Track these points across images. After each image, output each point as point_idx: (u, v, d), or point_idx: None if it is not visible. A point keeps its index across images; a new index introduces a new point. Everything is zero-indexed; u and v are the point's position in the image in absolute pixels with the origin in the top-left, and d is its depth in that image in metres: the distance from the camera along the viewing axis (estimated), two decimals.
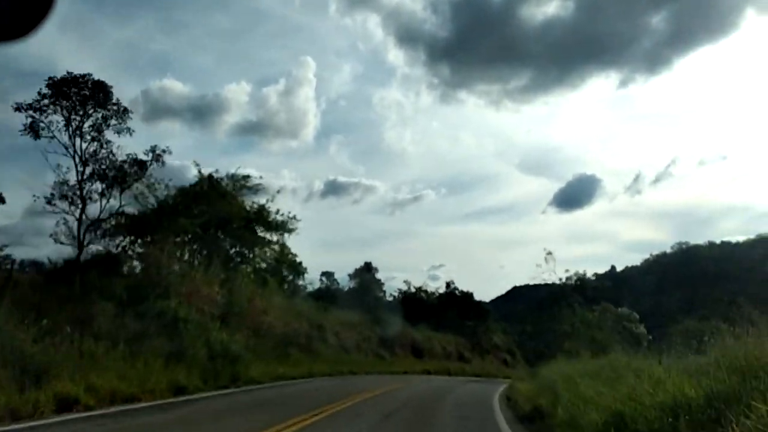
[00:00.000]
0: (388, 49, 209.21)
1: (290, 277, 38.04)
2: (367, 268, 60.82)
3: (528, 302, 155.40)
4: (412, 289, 64.69)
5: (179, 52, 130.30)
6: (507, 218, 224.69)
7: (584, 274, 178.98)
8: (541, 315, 60.29)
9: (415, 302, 63.02)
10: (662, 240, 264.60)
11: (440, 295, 64.08)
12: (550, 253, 27.90)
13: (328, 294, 49.48)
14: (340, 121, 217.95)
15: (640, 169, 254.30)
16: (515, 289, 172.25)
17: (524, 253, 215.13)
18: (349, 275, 60.24)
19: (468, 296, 64.09)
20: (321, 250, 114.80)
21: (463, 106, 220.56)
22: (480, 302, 66.46)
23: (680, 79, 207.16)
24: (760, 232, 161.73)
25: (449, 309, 63.05)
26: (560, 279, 59.26)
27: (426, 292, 65.16)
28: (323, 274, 59.46)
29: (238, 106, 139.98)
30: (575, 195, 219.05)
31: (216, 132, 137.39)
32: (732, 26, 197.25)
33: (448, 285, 64.28)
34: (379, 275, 62.99)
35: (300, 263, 35.93)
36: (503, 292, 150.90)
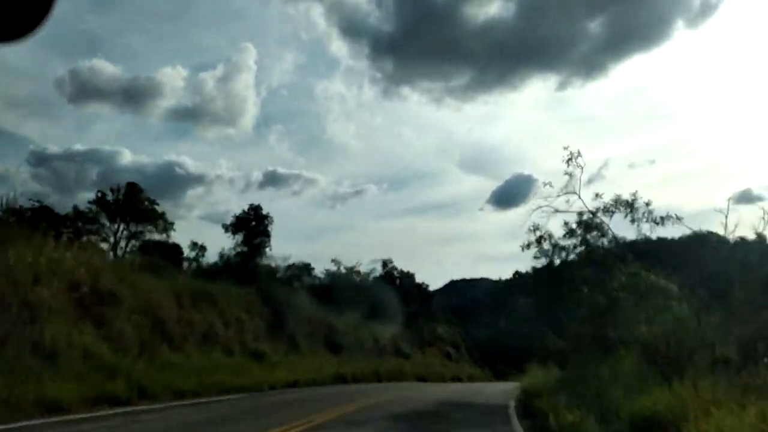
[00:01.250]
0: (331, 41, 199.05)
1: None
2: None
3: (466, 297, 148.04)
4: (342, 270, 51.27)
5: (110, 31, 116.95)
6: (447, 214, 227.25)
7: (526, 272, 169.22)
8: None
9: (344, 285, 49.89)
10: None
11: (376, 277, 51.18)
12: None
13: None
14: (281, 111, 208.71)
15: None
16: (452, 283, 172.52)
17: (463, 248, 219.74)
18: None
19: (408, 277, 51.60)
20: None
21: (405, 102, 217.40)
22: (422, 285, 54.09)
23: (615, 85, 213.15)
24: (696, 230, 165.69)
25: (386, 293, 50.41)
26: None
27: (359, 272, 51.89)
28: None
29: (173, 91, 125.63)
30: (512, 194, 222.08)
31: (149, 117, 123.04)
32: (665, 37, 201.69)
33: (385, 264, 51.56)
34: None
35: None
36: (441, 285, 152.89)
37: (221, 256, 25.89)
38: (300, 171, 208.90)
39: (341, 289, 49.33)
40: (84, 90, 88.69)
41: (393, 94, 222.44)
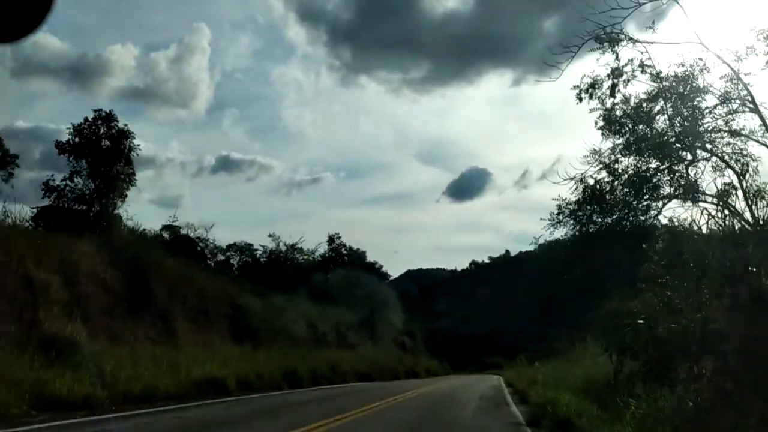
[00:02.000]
0: (288, 25, 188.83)
1: None
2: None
3: (422, 287, 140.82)
4: (282, 247, 42.12)
5: (57, 4, 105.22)
6: (403, 205, 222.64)
7: (481, 262, 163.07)
8: None
9: (280, 263, 41.11)
10: (543, 232, 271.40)
11: (322, 255, 42.43)
12: None
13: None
14: (236, 95, 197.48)
15: (528, 166, 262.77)
16: (408, 273, 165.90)
17: (419, 239, 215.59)
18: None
19: (358, 256, 43.14)
20: (214, 229, 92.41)
21: (363, 92, 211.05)
22: (375, 265, 45.62)
23: (568, 83, 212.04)
24: (653, 214, 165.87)
25: (331, 272, 41.87)
26: None
27: (301, 249, 42.77)
28: None
29: (123, 70, 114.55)
30: (467, 187, 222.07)
31: (97, 96, 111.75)
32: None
33: (331, 240, 42.73)
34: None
35: None
36: (397, 275, 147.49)
37: (48, 188, 16.34)
38: (255, 157, 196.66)
39: (276, 268, 40.48)
40: (28, 65, 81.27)
41: (351, 82, 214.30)
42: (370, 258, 45.06)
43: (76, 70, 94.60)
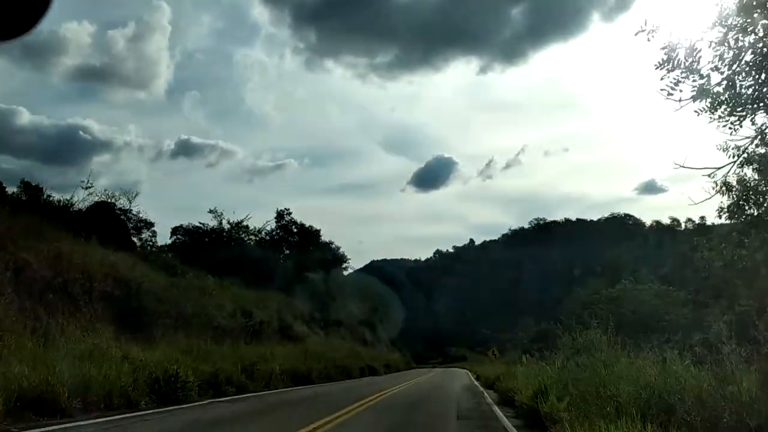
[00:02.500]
0: (252, 5, 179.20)
1: None
2: None
3: (386, 277, 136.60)
4: (225, 225, 36.05)
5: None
6: (368, 194, 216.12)
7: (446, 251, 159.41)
8: None
9: (225, 245, 35.23)
10: (506, 223, 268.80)
11: (269, 234, 36.57)
12: None
13: None
14: (197, 77, 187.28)
15: (492, 155, 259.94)
16: (373, 263, 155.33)
17: (383, 229, 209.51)
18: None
19: (311, 234, 37.58)
20: (172, 216, 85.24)
21: (329, 76, 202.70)
22: (331, 245, 40.14)
23: (533, 73, 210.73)
24: (613, 212, 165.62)
25: (282, 253, 36.23)
26: None
27: (247, 227, 36.80)
28: None
29: (79, 48, 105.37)
30: (433, 176, 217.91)
31: (51, 75, 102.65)
32: (581, 28, 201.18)
33: (280, 215, 36.87)
34: None
35: None
36: (361, 265, 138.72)
37: None
38: (216, 141, 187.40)
39: (218, 248, 34.61)
40: None
41: (316, 66, 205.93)
42: (325, 239, 39.60)
43: (27, 47, 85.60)
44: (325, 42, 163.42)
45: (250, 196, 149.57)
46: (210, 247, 34.70)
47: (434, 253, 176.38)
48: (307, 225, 36.42)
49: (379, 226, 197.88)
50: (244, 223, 36.42)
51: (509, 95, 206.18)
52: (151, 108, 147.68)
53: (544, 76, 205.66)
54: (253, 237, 35.62)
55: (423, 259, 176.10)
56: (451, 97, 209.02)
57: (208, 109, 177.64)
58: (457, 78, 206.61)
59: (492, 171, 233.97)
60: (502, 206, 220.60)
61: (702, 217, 76.91)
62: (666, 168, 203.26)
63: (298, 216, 37.72)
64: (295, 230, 36.49)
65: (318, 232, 36.98)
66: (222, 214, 34.80)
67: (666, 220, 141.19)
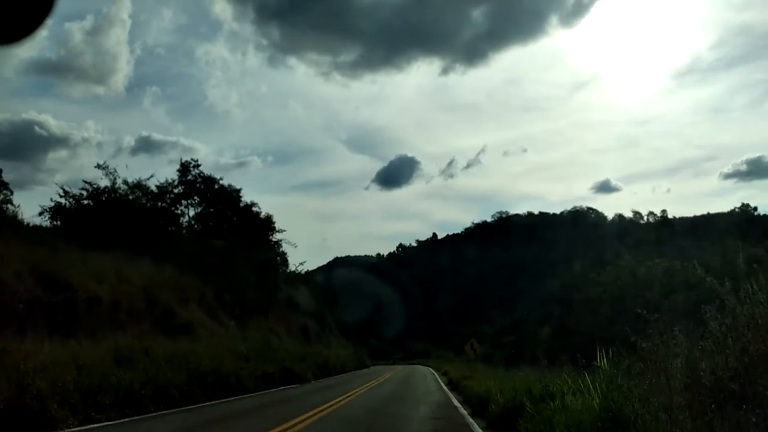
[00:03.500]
0: (214, 0, 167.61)
1: None
2: None
3: (349, 273, 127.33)
4: (121, 186, 26.07)
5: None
6: (332, 192, 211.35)
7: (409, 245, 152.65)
8: None
9: (118, 210, 25.56)
10: (469, 219, 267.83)
11: (165, 188, 26.89)
12: None
13: None
14: (158, 73, 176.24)
15: (454, 155, 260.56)
16: (336, 260, 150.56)
17: (348, 226, 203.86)
18: None
19: (227, 193, 28.21)
20: None
21: (292, 73, 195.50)
22: (252, 207, 30.48)
23: (493, 75, 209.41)
24: (576, 204, 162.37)
25: (184, 216, 26.90)
26: None
27: (147, 189, 26.89)
28: None
29: (34, 40, 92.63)
30: (396, 175, 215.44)
31: (3, 67, 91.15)
32: (540, 32, 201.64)
33: (184, 168, 27.30)
34: None
35: None
36: (325, 262, 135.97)
37: None
38: (177, 138, 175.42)
39: (108, 213, 25.07)
40: None
41: (279, 63, 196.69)
42: (248, 200, 29.76)
43: None
44: (288, 39, 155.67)
45: None
46: (99, 214, 25.17)
47: (397, 247, 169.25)
48: (220, 179, 27.01)
49: (343, 224, 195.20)
50: (144, 183, 26.83)
51: (470, 96, 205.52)
52: (110, 103, 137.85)
53: (504, 78, 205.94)
54: (149, 197, 26.02)
55: (386, 253, 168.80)
56: (413, 97, 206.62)
57: (169, 105, 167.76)
58: (419, 78, 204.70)
59: (453, 170, 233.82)
60: (464, 204, 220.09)
61: (663, 211, 73.75)
62: (619, 168, 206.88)
63: (231, 180, 28.49)
64: (200, 186, 26.82)
65: (238, 192, 27.69)
66: (116, 171, 25.11)
67: (628, 214, 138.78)
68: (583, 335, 33.45)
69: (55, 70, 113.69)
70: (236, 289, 23.54)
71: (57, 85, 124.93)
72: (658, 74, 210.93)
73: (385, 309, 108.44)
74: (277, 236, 30.83)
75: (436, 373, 28.50)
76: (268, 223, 29.77)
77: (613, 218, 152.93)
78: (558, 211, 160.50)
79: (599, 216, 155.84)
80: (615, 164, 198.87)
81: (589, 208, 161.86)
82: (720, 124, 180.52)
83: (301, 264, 44.36)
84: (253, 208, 28.64)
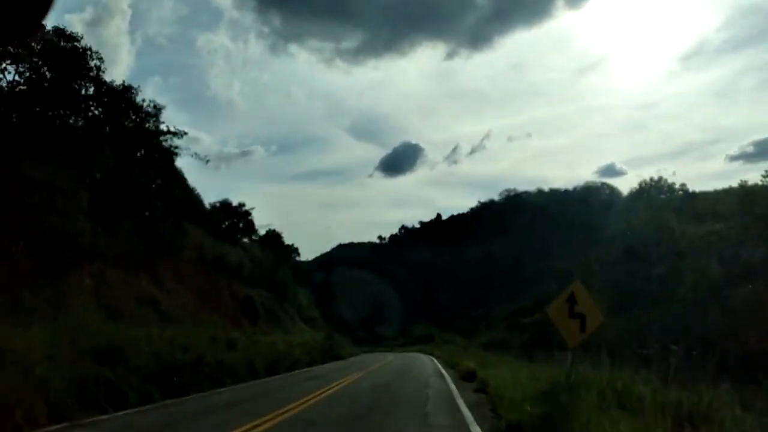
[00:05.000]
0: None
1: None
2: None
3: (352, 260, 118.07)
4: None
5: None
6: (336, 180, 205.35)
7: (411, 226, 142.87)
8: None
9: None
10: (473, 205, 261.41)
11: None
12: None
13: None
14: (159, 63, 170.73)
15: (458, 141, 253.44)
16: (340, 246, 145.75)
17: (351, 214, 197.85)
18: None
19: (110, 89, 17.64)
20: None
21: (294, 61, 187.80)
22: (163, 133, 19.89)
23: (498, 59, 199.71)
24: (588, 180, 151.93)
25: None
26: None
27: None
28: None
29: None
30: (400, 162, 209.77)
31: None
32: (546, 15, 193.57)
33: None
34: None
35: None
36: (328, 249, 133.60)
37: None
38: (181, 128, 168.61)
39: None
40: None
41: (281, 50, 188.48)
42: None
43: None
44: (289, 26, 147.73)
45: (218, 184, 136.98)
46: None
47: (400, 229, 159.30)
48: (82, 47, 16.00)
49: (346, 211, 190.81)
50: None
51: (475, 81, 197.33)
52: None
53: (509, 63, 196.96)
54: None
55: (387, 236, 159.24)
56: (417, 83, 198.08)
57: (171, 95, 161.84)
58: (423, 64, 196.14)
59: (458, 156, 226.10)
60: (469, 191, 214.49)
61: (683, 184, 63.46)
62: (624, 152, 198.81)
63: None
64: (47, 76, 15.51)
65: (131, 89, 17.06)
66: None
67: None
68: (644, 321, 23.24)
69: None
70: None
71: None
72: (663, 57, 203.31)
73: (386, 294, 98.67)
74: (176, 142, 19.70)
75: (443, 369, 18.59)
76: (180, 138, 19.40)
77: (630, 193, 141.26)
78: (570, 187, 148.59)
79: (614, 192, 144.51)
80: (620, 148, 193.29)
81: (604, 183, 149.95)
82: (726, 106, 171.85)
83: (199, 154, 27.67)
84: (152, 111, 18.19)
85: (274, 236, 41.91)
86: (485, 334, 65.41)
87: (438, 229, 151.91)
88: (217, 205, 31.15)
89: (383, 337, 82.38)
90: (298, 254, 60.05)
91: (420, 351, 46.48)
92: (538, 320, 47.58)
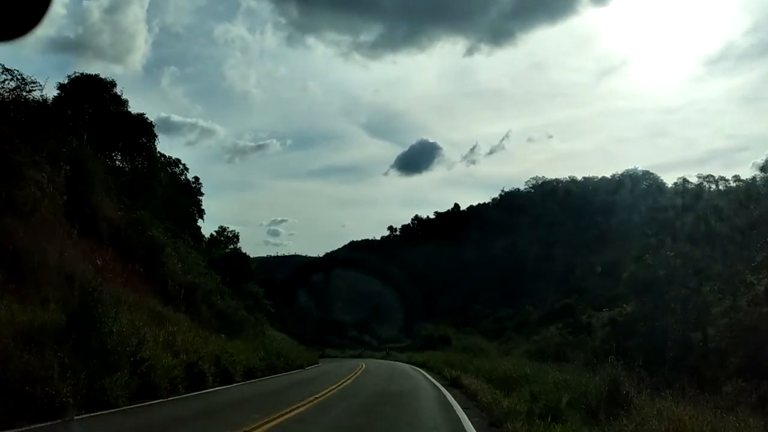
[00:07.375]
0: None
1: None
2: None
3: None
4: None
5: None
6: (351, 178, 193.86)
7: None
8: None
9: None
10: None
11: None
12: None
13: None
14: (176, 53, 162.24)
15: (477, 141, 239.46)
16: (352, 243, 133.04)
17: (366, 212, 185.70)
18: None
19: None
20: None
21: (311, 53, 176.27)
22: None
23: (520, 57, 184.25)
24: (628, 167, 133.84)
25: None
26: None
27: None
28: None
29: (52, 18, 78.63)
30: (417, 160, 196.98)
31: (21, 46, 77.80)
32: (570, 11, 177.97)
33: None
34: None
35: None
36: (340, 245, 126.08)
37: None
38: (196, 120, 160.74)
39: None
40: None
41: (298, 42, 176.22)
42: None
43: None
44: (307, 17, 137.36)
45: (231, 177, 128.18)
46: None
47: (412, 220, 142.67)
48: None
49: (361, 209, 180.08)
50: None
51: (494, 80, 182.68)
52: (128, 83, 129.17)
53: (530, 62, 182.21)
54: None
55: (399, 227, 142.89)
56: (436, 80, 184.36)
57: (187, 86, 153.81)
58: (442, 59, 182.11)
59: (476, 156, 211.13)
60: (486, 191, 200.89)
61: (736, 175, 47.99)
62: (647, 158, 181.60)
63: None
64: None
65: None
66: None
67: (694, 179, 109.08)
68: None
69: (74, 49, 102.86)
70: None
71: (75, 63, 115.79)
72: (688, 60, 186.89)
73: (392, 292, 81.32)
74: None
75: None
76: None
77: (674, 185, 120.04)
78: (608, 174, 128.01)
79: (656, 181, 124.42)
80: (643, 153, 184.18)
81: (646, 171, 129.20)
82: (753, 113, 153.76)
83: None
84: None
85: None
86: (516, 339, 47.95)
87: (455, 220, 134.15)
88: None
89: (382, 339, 65.24)
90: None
91: (424, 362, 29.56)
92: (620, 318, 29.55)
